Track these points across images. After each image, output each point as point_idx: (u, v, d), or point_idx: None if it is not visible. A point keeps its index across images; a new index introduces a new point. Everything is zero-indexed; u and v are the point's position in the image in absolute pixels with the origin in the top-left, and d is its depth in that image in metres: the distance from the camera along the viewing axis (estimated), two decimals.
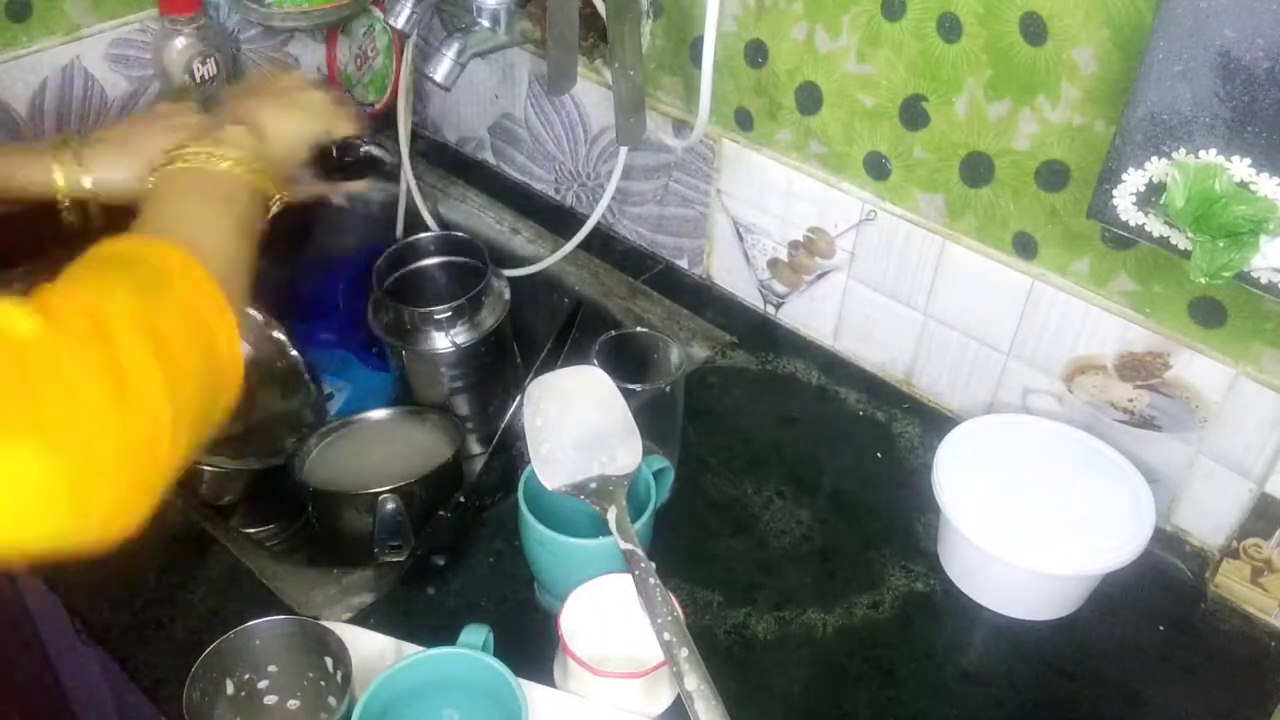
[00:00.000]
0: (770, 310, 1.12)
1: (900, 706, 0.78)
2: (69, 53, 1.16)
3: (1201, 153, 0.71)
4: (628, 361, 0.89)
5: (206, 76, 1.21)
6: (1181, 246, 0.75)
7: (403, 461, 0.97)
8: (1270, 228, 0.69)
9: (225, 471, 1.01)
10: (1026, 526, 0.81)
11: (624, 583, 0.74)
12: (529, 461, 0.81)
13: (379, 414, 1.06)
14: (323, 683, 0.74)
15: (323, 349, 1.22)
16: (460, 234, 1.17)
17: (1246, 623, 0.85)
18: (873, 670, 0.80)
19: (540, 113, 1.22)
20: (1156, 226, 0.76)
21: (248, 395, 1.09)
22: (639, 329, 0.97)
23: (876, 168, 0.97)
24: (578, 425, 0.82)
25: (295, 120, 0.89)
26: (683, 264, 1.18)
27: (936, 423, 0.99)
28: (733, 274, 1.14)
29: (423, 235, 1.18)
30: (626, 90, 0.96)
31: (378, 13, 1.29)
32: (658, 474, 0.83)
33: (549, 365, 1.01)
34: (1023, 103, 0.85)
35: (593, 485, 0.78)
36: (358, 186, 1.08)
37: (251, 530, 1.08)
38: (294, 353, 1.13)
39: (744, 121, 1.04)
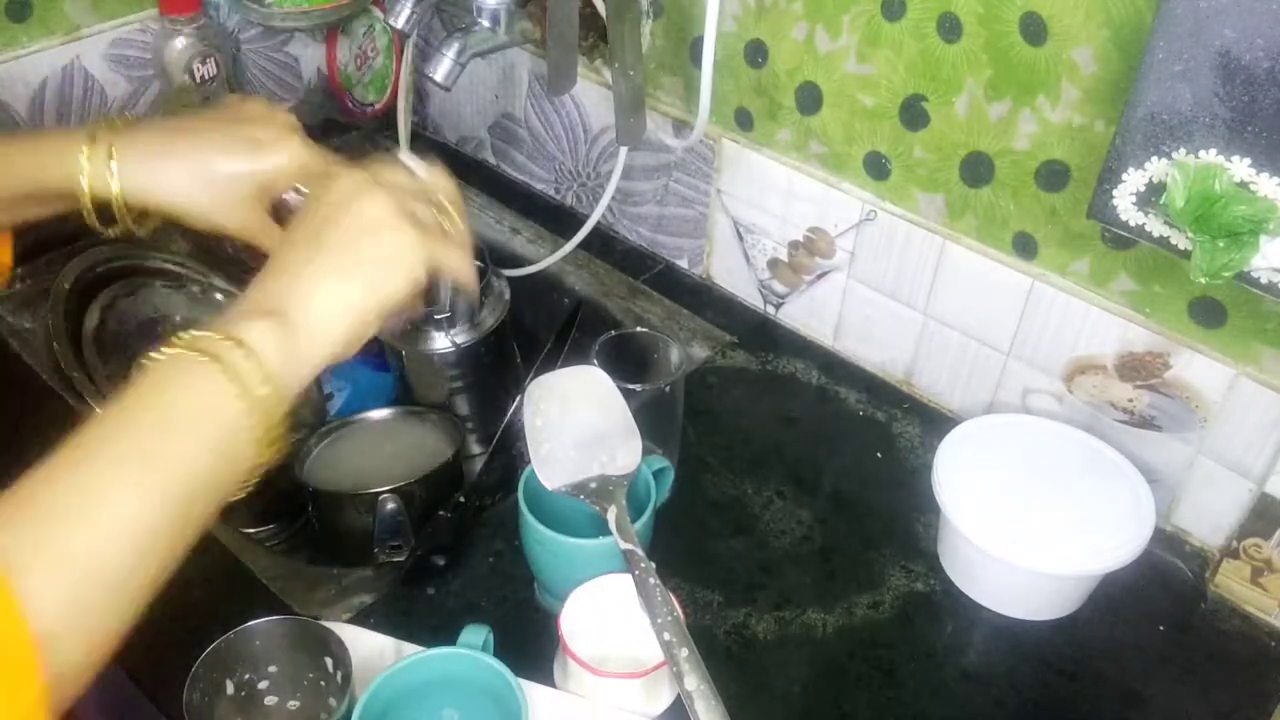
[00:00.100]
0: (770, 310, 1.12)
1: (900, 706, 0.78)
2: (69, 53, 1.16)
3: (1201, 153, 0.71)
4: (628, 361, 0.89)
5: (206, 76, 1.21)
6: (1181, 246, 0.75)
7: (403, 461, 0.97)
8: (1270, 228, 0.69)
9: None
10: (1026, 526, 0.81)
11: (624, 583, 0.74)
12: (529, 461, 0.81)
13: (379, 414, 1.06)
14: (323, 683, 0.74)
15: None
16: None
17: (1246, 623, 0.85)
18: (873, 670, 0.80)
19: (540, 113, 1.22)
20: (1156, 226, 0.76)
21: None
22: (639, 329, 0.97)
23: (876, 168, 0.97)
24: (578, 425, 0.82)
25: (368, 284, 0.63)
26: (683, 264, 1.18)
27: (936, 423, 0.99)
28: (733, 274, 1.14)
29: None
30: (626, 90, 0.96)
31: (378, 13, 1.29)
32: (658, 474, 0.83)
33: (549, 365, 1.01)
34: (1023, 103, 0.85)
35: (593, 485, 0.78)
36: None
37: (251, 530, 1.08)
38: None
39: (744, 121, 1.04)
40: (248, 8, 1.20)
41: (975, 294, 0.94)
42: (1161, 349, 0.85)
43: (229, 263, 1.15)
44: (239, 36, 1.30)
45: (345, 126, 1.38)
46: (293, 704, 0.75)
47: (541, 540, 0.77)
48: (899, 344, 1.02)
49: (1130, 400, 0.89)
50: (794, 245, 1.06)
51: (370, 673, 0.69)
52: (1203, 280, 0.71)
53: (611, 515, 0.76)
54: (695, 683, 0.68)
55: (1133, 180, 0.75)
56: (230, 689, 0.73)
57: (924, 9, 0.87)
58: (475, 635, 0.73)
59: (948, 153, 0.91)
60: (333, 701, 0.72)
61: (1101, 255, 0.86)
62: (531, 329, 1.23)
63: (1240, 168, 0.69)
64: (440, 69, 0.98)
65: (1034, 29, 0.81)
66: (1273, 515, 0.83)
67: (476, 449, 1.16)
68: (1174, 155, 0.72)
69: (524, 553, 0.81)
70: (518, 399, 0.99)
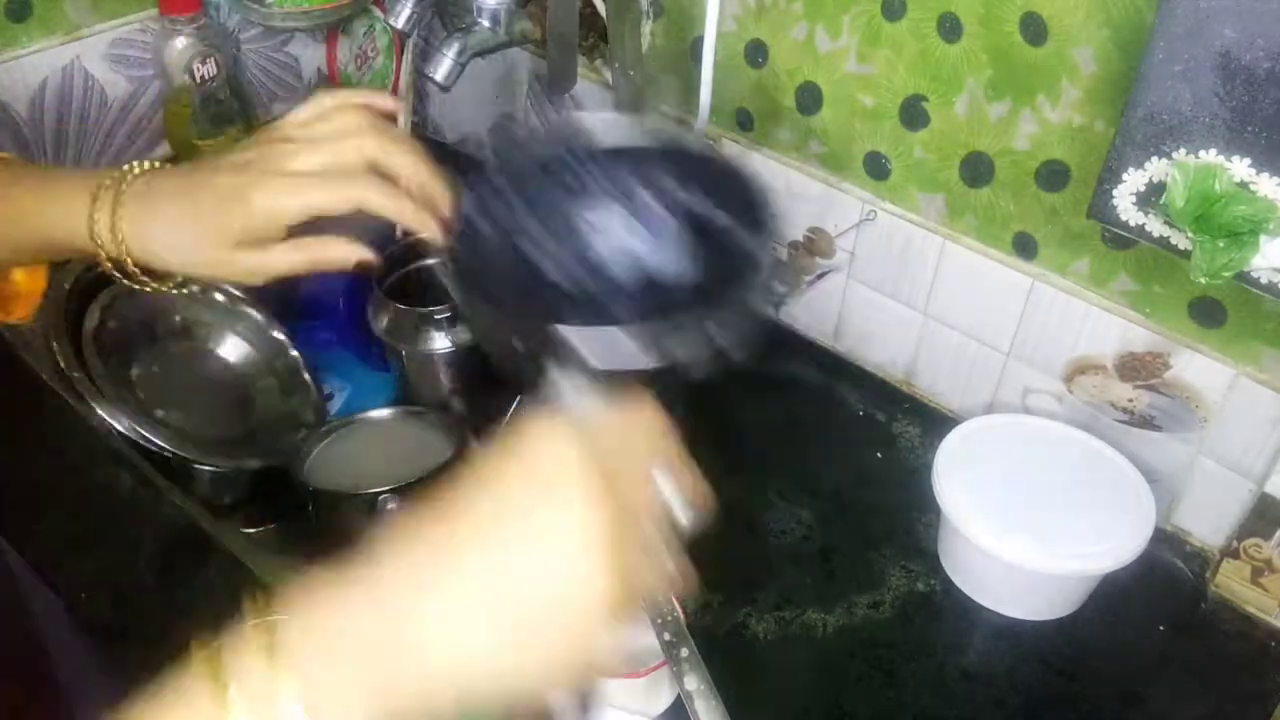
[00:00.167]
0: (770, 310, 1.12)
1: (900, 706, 0.78)
2: (69, 53, 1.16)
3: (1201, 153, 0.71)
4: None
5: (206, 76, 1.21)
6: (1181, 246, 0.75)
7: (403, 461, 0.97)
8: (1270, 228, 0.69)
9: (225, 471, 1.01)
10: (1026, 527, 0.81)
11: None
12: None
13: (379, 414, 1.06)
14: None
15: (323, 349, 1.22)
16: None
17: (1246, 623, 0.85)
18: (873, 670, 0.80)
19: (540, 113, 1.22)
20: (1156, 226, 0.76)
21: (248, 395, 1.10)
22: None
23: (876, 168, 0.97)
24: None
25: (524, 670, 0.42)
26: None
27: (936, 423, 0.99)
28: None
29: (423, 235, 1.17)
30: (626, 90, 0.96)
31: (378, 13, 1.29)
32: None
33: None
34: (1023, 103, 0.85)
35: None
36: None
37: (251, 530, 1.08)
38: (294, 353, 1.13)
39: (744, 121, 1.04)
40: (248, 8, 1.20)
41: (975, 294, 0.94)
42: (1161, 349, 0.85)
43: None
44: (239, 36, 1.30)
45: None
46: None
47: None
48: (899, 344, 1.02)
49: (1130, 400, 0.89)
50: (794, 245, 1.06)
51: None
52: (1203, 280, 0.71)
53: None
54: (695, 682, 0.68)
55: (1133, 180, 0.75)
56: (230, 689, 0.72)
57: (924, 9, 0.87)
58: None
59: (948, 153, 0.91)
60: None
61: (1101, 255, 0.86)
62: None
63: (1240, 168, 0.69)
64: (440, 69, 0.98)
65: (1034, 29, 0.81)
66: (1273, 515, 0.83)
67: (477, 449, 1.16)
68: (1174, 155, 0.72)
69: None
70: (518, 399, 0.99)
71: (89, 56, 1.18)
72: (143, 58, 1.22)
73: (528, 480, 0.42)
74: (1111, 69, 0.79)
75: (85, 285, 1.05)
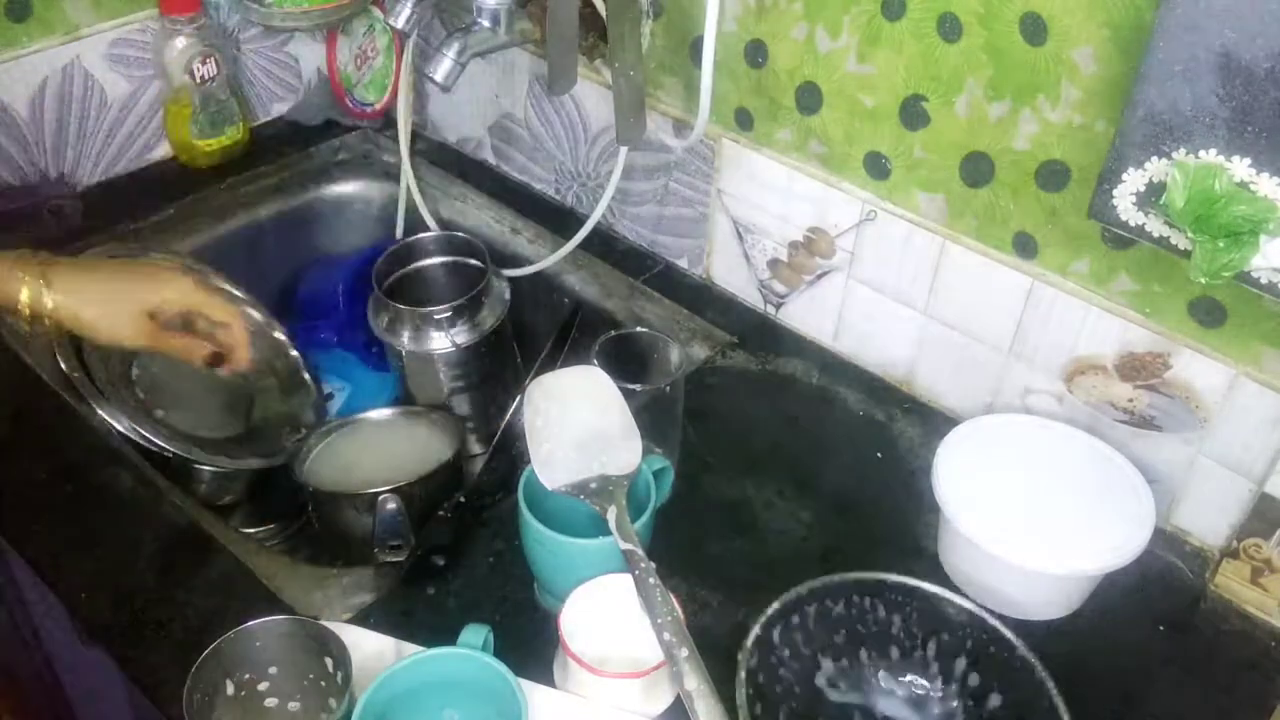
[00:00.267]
0: (770, 310, 1.12)
1: None
2: (69, 53, 1.16)
3: (1201, 153, 0.71)
4: (628, 361, 0.89)
5: (206, 76, 1.21)
6: (1181, 246, 0.75)
7: (403, 461, 0.97)
8: (1270, 228, 0.69)
9: (225, 471, 1.01)
10: (1026, 526, 0.81)
11: (624, 583, 0.74)
12: (529, 461, 0.81)
13: (379, 414, 1.06)
14: (323, 683, 0.74)
15: (323, 349, 1.22)
16: (460, 234, 1.18)
17: (1246, 623, 0.85)
18: None
19: (540, 113, 1.22)
20: (1156, 226, 0.76)
21: (248, 396, 1.10)
22: (639, 329, 0.97)
23: (876, 168, 0.97)
24: (578, 425, 0.82)
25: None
26: (683, 264, 1.18)
27: (936, 423, 0.99)
28: (733, 274, 1.14)
29: (423, 235, 1.18)
30: (626, 90, 0.96)
31: (378, 13, 1.29)
32: (658, 474, 0.83)
33: (548, 367, 1.01)
34: (1023, 103, 0.85)
35: (593, 485, 0.78)
36: None
37: (251, 530, 1.08)
38: (294, 353, 1.14)
39: (744, 121, 1.04)
40: (248, 7, 1.20)
41: (975, 294, 0.94)
42: (1161, 349, 0.85)
43: (228, 260, 1.15)
44: (239, 36, 1.30)
45: (345, 126, 1.38)
46: (293, 705, 0.75)
47: (541, 540, 0.77)
48: (899, 344, 1.02)
49: (1130, 400, 0.89)
50: (794, 245, 1.06)
51: (370, 673, 0.69)
52: (1203, 280, 0.71)
53: (611, 515, 0.76)
54: (696, 683, 0.68)
55: (1133, 180, 0.75)
56: (230, 689, 0.73)
57: (924, 9, 0.87)
58: (475, 635, 0.73)
59: (948, 153, 0.91)
60: (333, 702, 0.72)
61: (1101, 255, 0.86)
62: (531, 329, 1.23)
63: (1240, 168, 0.69)
64: (440, 69, 0.98)
65: (1034, 29, 0.81)
66: (1273, 515, 0.83)
67: (476, 449, 1.16)
68: (1174, 155, 0.72)
69: (524, 553, 0.81)
70: (518, 399, 0.99)
71: (89, 56, 1.18)
72: (143, 58, 1.22)
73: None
74: (1111, 69, 0.79)
75: None
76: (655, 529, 0.81)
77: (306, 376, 1.13)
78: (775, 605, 0.73)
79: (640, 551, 0.74)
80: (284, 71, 1.37)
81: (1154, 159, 0.73)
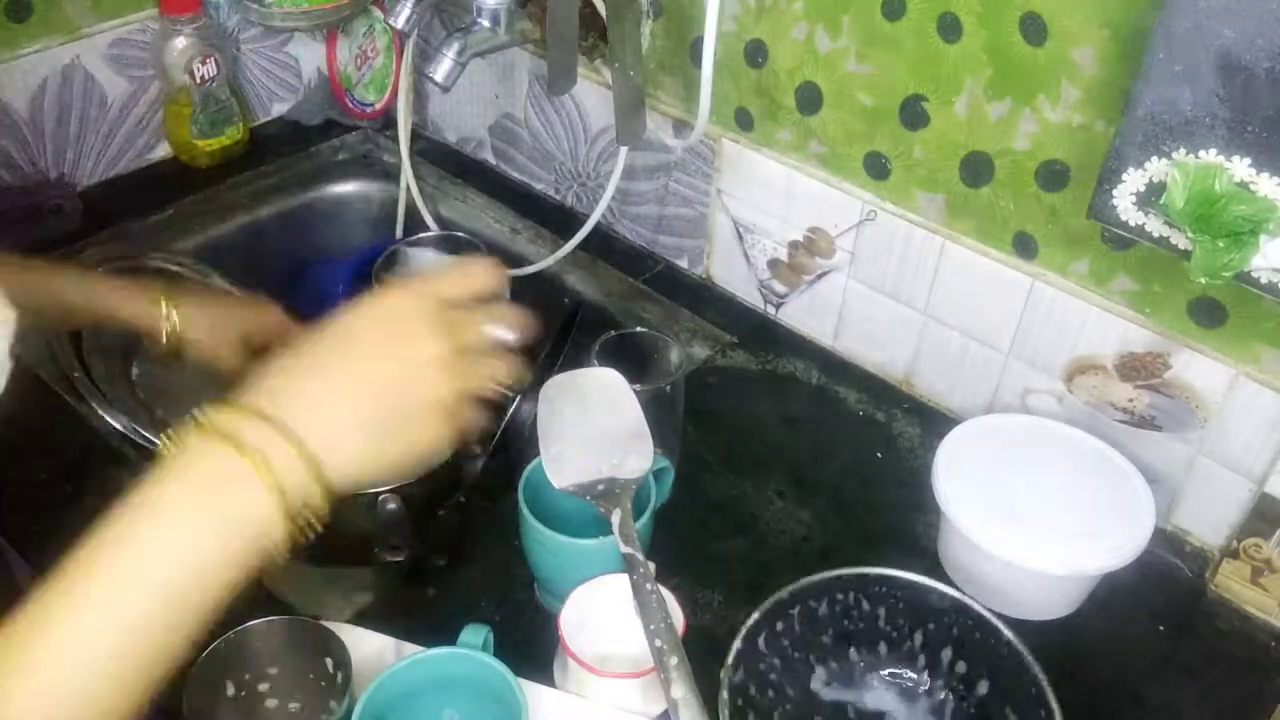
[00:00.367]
0: (770, 310, 1.12)
1: None
2: (69, 53, 1.16)
3: (1201, 153, 0.71)
4: (628, 361, 0.89)
5: (206, 76, 1.21)
6: (1181, 246, 0.75)
7: None
8: (1270, 228, 0.69)
9: None
10: (1026, 526, 0.81)
11: (624, 583, 0.74)
12: (529, 461, 0.81)
13: None
14: (323, 684, 0.74)
15: None
16: (460, 234, 1.17)
17: (1246, 623, 0.85)
18: None
19: (540, 113, 1.22)
20: (1156, 226, 0.76)
21: None
22: (639, 329, 0.97)
23: (876, 168, 0.97)
24: (590, 426, 0.82)
25: (387, 454, 0.57)
26: (683, 264, 1.18)
27: (936, 423, 0.99)
28: (733, 274, 1.14)
29: (423, 235, 1.18)
30: (626, 90, 0.96)
31: (378, 13, 1.29)
32: (658, 474, 0.83)
33: (548, 368, 1.01)
34: (1023, 103, 0.85)
35: (600, 487, 0.78)
36: None
37: None
38: None
39: (744, 121, 1.04)
40: (248, 7, 1.20)
41: (975, 294, 0.94)
42: (1161, 349, 0.85)
43: (228, 260, 1.15)
44: (239, 36, 1.30)
45: (345, 126, 1.38)
46: (293, 705, 0.75)
47: (541, 540, 0.77)
48: (899, 344, 1.02)
49: (1130, 400, 0.89)
50: (794, 245, 1.06)
51: (370, 673, 0.69)
52: (1203, 280, 0.71)
53: (616, 519, 0.76)
54: (682, 691, 0.67)
55: (1133, 180, 0.75)
56: (230, 690, 0.73)
57: (924, 9, 0.87)
58: (475, 635, 0.73)
59: (948, 153, 0.91)
60: (333, 703, 0.72)
61: (1101, 255, 0.86)
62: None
63: (1240, 168, 0.69)
64: (440, 69, 0.98)
65: (1034, 29, 0.81)
66: (1273, 515, 0.83)
67: (476, 449, 1.15)
68: (1174, 155, 0.72)
69: (524, 553, 0.81)
70: (516, 399, 0.98)
71: (89, 56, 1.18)
72: (143, 58, 1.22)
73: (386, 319, 0.57)
74: (1111, 69, 0.79)
75: None
76: (655, 529, 0.81)
77: None
78: (755, 615, 0.73)
79: (640, 556, 0.74)
80: (284, 71, 1.37)
81: (1154, 159, 0.73)
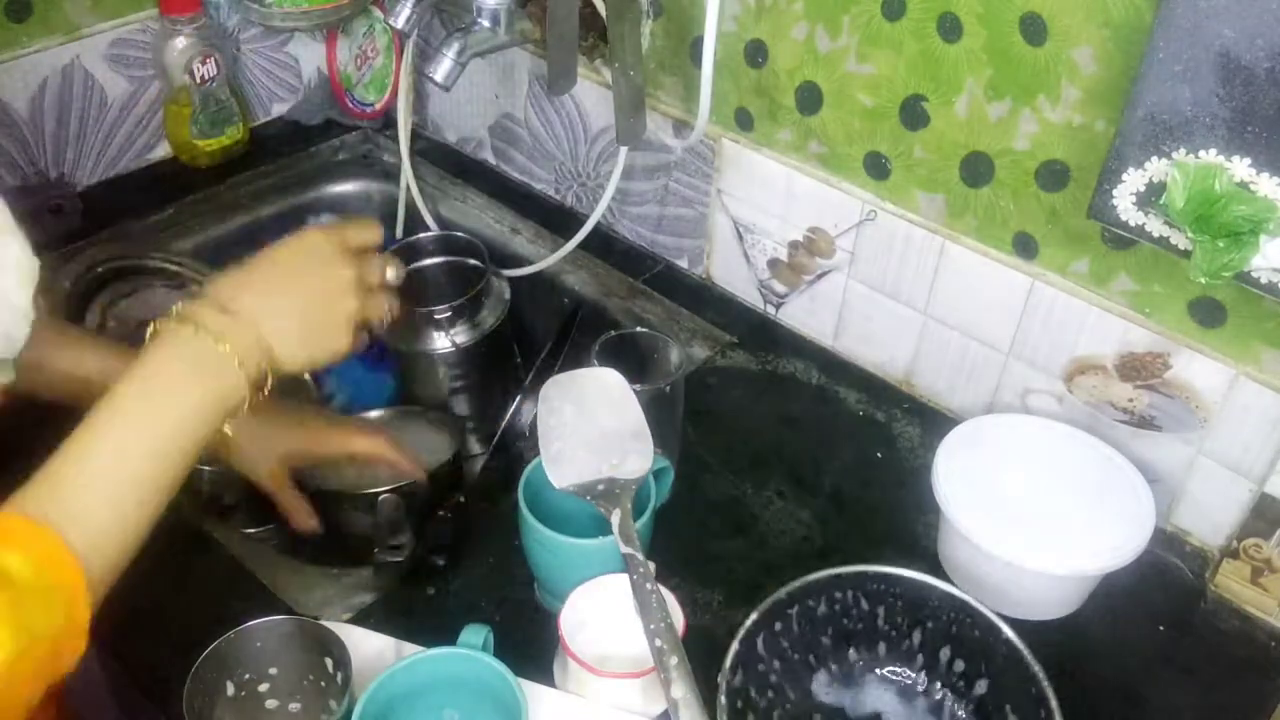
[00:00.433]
0: (770, 310, 1.12)
1: None
2: (69, 53, 1.16)
3: (1201, 153, 0.71)
4: (628, 361, 0.89)
5: (206, 76, 1.21)
6: (1181, 246, 0.75)
7: None
8: (1270, 228, 0.69)
9: (225, 471, 1.01)
10: (1026, 526, 0.81)
11: (624, 582, 0.74)
12: (529, 461, 0.81)
13: (379, 414, 1.06)
14: (323, 684, 0.74)
15: None
16: (460, 234, 1.17)
17: (1246, 623, 0.85)
18: None
19: (540, 113, 1.22)
20: (1156, 226, 0.76)
21: None
22: (639, 329, 0.97)
23: (876, 168, 0.97)
24: (590, 426, 0.82)
25: (314, 349, 0.74)
26: (683, 264, 1.18)
27: (936, 423, 0.99)
28: (733, 274, 1.14)
29: (423, 235, 1.18)
30: (626, 90, 0.96)
31: (378, 13, 1.29)
32: (658, 474, 0.83)
33: (548, 368, 1.01)
34: (1023, 103, 0.85)
35: (600, 487, 0.78)
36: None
37: (251, 530, 1.08)
38: None
39: (744, 121, 1.04)
40: (248, 7, 1.20)
41: (975, 294, 0.94)
42: (1161, 349, 0.85)
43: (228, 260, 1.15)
44: (239, 36, 1.30)
45: (345, 126, 1.38)
46: (294, 706, 0.75)
47: (541, 540, 0.77)
48: (899, 344, 1.02)
49: (1130, 400, 0.89)
50: (794, 245, 1.06)
51: (370, 673, 0.69)
52: (1203, 280, 0.71)
53: (615, 519, 0.76)
54: (682, 691, 0.68)
55: (1133, 180, 0.75)
56: (230, 690, 0.73)
57: (924, 9, 0.87)
58: (475, 635, 0.73)
59: (948, 153, 0.91)
60: (333, 703, 0.72)
61: (1101, 255, 0.86)
62: (531, 329, 1.23)
63: (1240, 168, 0.69)
64: (440, 69, 0.98)
65: (1034, 29, 0.81)
66: (1273, 515, 0.83)
67: (476, 449, 1.16)
68: (1174, 155, 0.72)
69: (524, 553, 0.81)
70: (517, 399, 0.99)
71: (89, 56, 1.18)
72: (143, 58, 1.22)
73: (311, 248, 0.74)
74: (1111, 69, 0.79)
75: (85, 285, 1.05)
76: (655, 529, 0.81)
77: (306, 376, 1.13)
78: (754, 616, 0.73)
79: (640, 556, 0.74)
80: (284, 71, 1.37)
81: (1154, 159, 0.73)
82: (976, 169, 0.90)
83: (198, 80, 1.21)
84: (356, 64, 1.34)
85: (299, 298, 0.73)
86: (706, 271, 1.16)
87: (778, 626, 0.74)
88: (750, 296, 1.13)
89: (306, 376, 1.13)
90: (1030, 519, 0.82)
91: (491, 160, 1.33)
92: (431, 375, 1.10)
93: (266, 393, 0.71)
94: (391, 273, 0.78)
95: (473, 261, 1.13)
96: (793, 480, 0.95)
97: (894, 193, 0.97)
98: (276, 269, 0.74)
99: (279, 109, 1.38)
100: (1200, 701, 0.80)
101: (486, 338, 1.10)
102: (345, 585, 0.84)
